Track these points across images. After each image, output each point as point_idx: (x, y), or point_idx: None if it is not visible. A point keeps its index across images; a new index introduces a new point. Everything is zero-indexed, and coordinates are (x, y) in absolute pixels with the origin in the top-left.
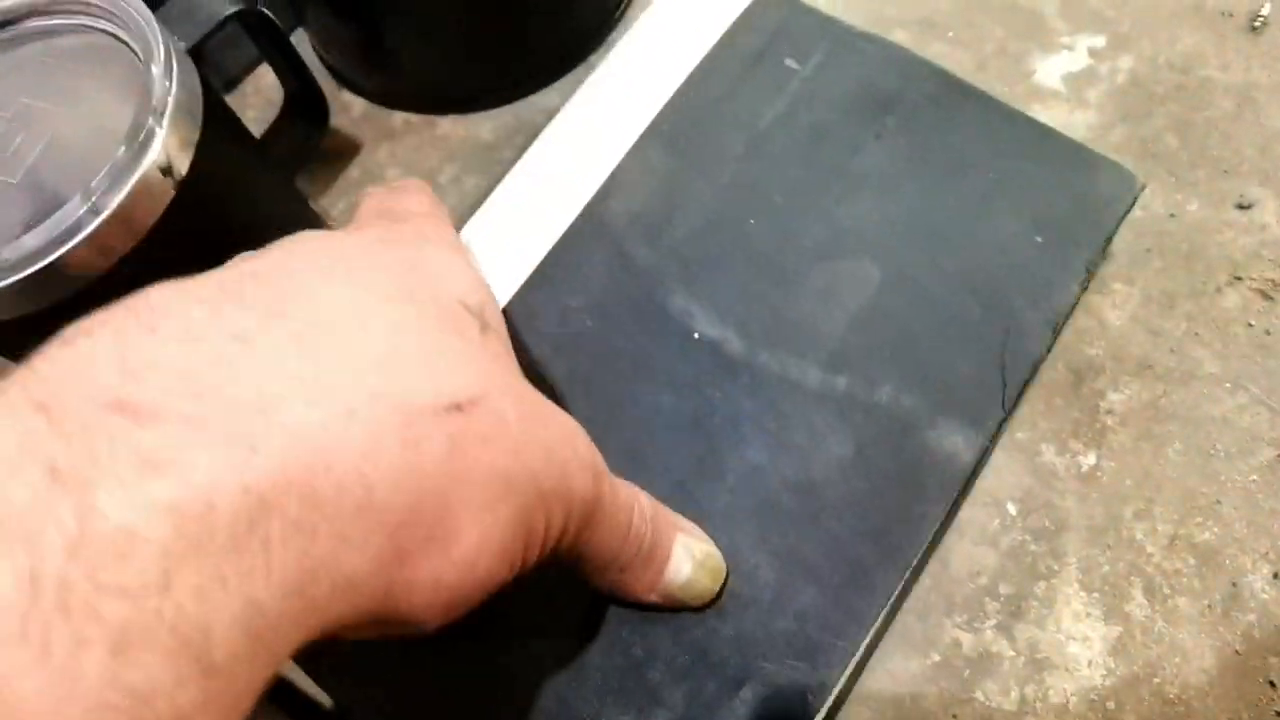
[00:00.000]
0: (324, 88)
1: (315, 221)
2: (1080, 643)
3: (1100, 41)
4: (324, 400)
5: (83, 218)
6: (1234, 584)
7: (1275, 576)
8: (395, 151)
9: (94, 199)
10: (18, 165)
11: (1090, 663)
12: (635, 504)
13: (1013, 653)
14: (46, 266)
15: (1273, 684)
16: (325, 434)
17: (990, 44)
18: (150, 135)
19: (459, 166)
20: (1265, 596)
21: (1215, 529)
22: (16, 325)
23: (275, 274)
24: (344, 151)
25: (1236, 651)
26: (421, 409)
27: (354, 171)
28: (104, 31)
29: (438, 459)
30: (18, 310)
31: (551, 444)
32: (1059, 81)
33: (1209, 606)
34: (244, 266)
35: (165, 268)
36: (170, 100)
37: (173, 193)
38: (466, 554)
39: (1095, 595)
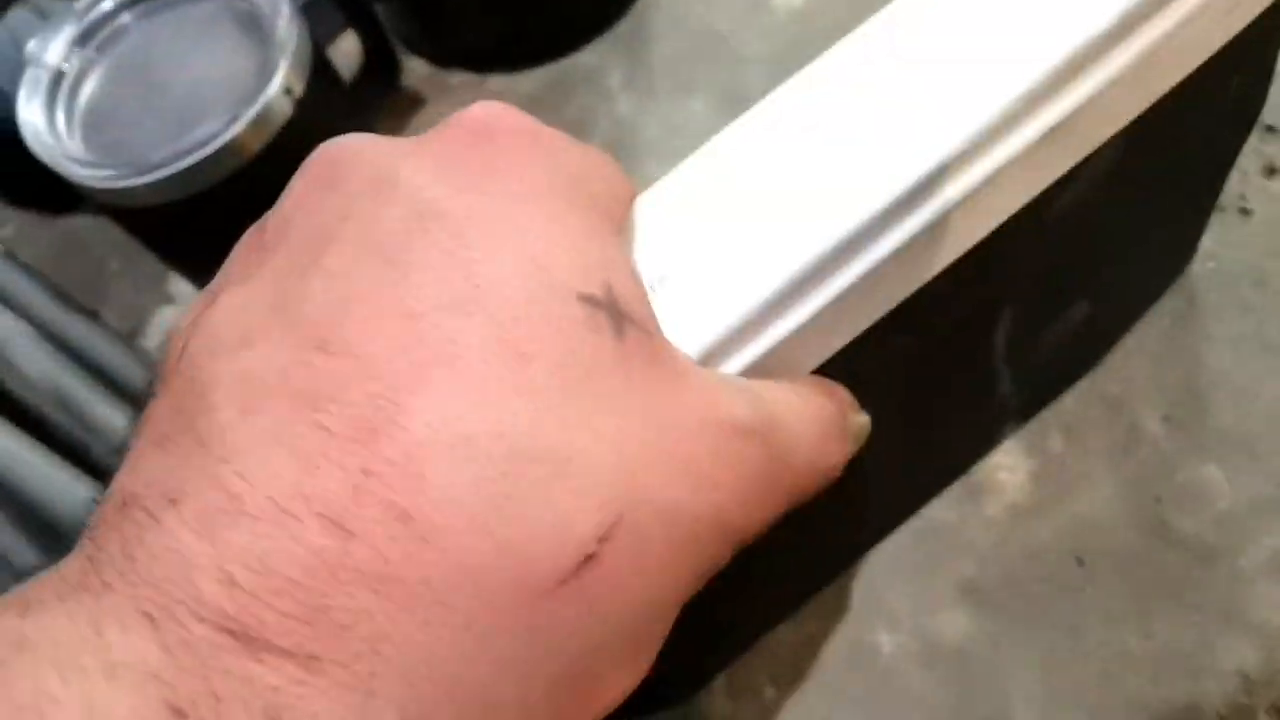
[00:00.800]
0: (395, 51)
1: None
2: (1008, 471)
3: None
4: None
5: (224, 126)
6: (1133, 425)
7: (1164, 419)
8: (453, 104)
9: (233, 111)
10: (177, 90)
11: (1016, 486)
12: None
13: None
14: (195, 162)
15: (1159, 500)
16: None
17: None
18: (276, 65)
19: None
20: (1156, 433)
21: (1122, 383)
22: (164, 211)
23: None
24: (411, 105)
25: (1132, 478)
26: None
27: (419, 120)
28: None
29: (535, 661)
30: (168, 198)
31: (748, 489)
32: None
33: (1113, 443)
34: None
35: (284, 167)
36: (291, 42)
37: (291, 111)
38: (617, 696)
39: (1021, 436)
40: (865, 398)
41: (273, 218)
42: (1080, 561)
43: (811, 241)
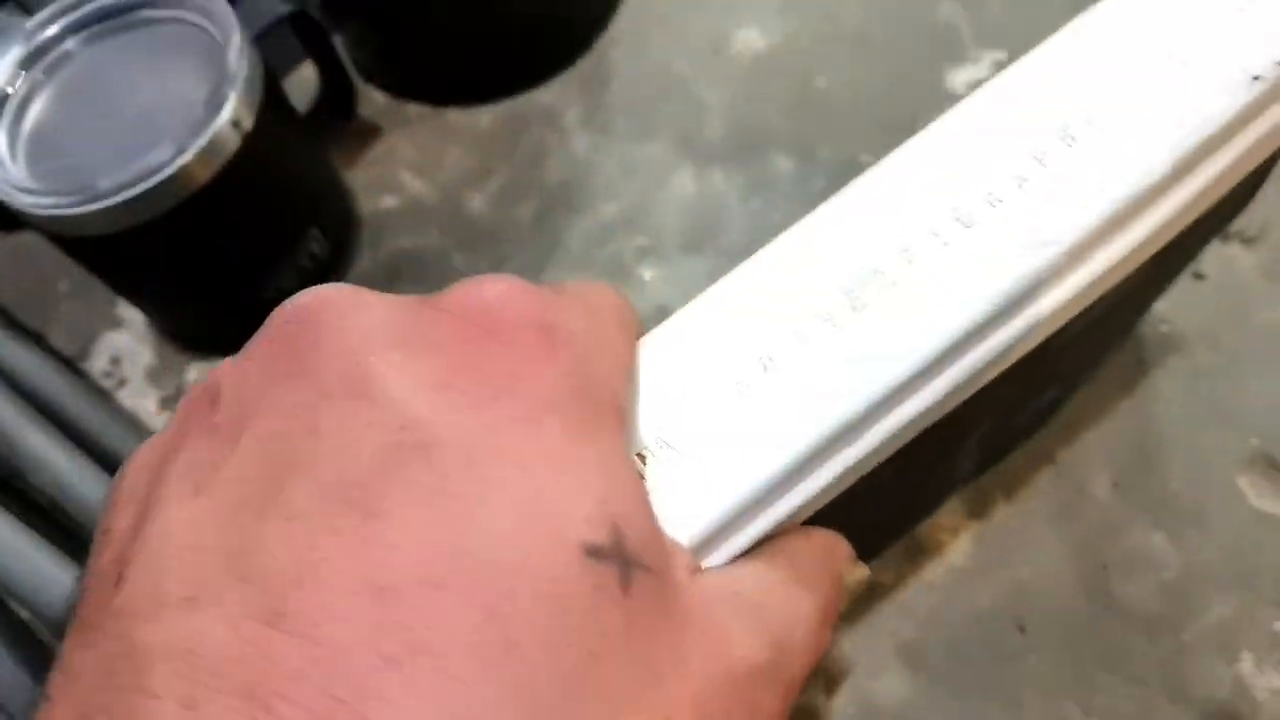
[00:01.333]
0: (352, 81)
1: (342, 193)
2: (949, 533)
3: (1003, 55)
4: None
5: (172, 155)
6: (1080, 490)
7: (1113, 484)
8: (409, 136)
9: (181, 141)
10: (125, 117)
11: (957, 549)
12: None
13: None
14: (142, 191)
15: (1105, 567)
16: None
17: (910, 57)
18: (225, 97)
19: (461, 150)
20: (1104, 498)
21: (1070, 446)
22: (110, 240)
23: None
24: (367, 135)
25: (1077, 543)
26: None
27: (375, 150)
28: (193, 24)
29: None
30: (113, 227)
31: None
32: (964, 88)
33: (1059, 507)
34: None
35: (231, 198)
36: (242, 73)
37: (239, 143)
38: None
39: (963, 498)
40: (835, 510)
41: (228, 388)
42: (1022, 629)
43: (832, 408)
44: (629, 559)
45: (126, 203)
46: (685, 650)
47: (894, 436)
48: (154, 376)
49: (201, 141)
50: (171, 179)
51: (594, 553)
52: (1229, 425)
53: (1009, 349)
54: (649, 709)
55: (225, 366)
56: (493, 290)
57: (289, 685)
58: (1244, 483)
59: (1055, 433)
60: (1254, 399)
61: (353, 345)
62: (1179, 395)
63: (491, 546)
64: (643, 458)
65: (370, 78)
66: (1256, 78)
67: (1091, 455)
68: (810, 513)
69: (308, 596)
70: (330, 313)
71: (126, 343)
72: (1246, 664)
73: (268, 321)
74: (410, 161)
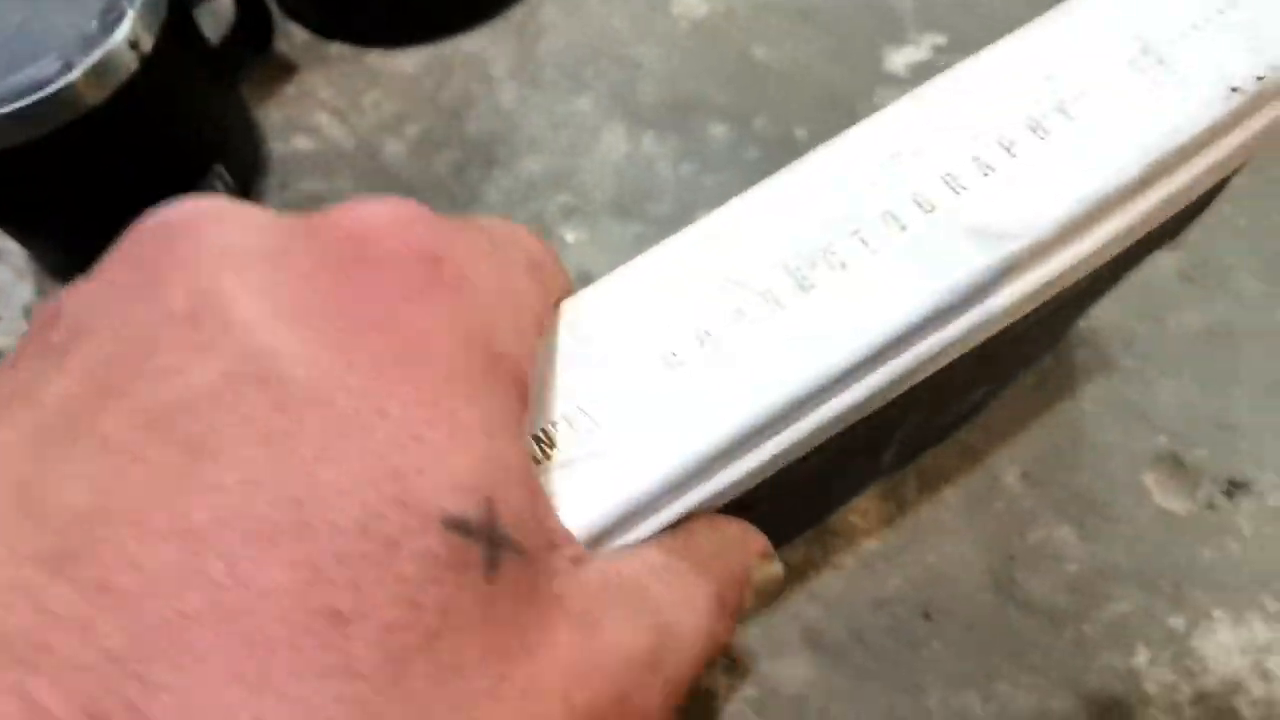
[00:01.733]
0: (271, 15)
1: (252, 130)
2: (860, 515)
3: (943, 40)
4: None
5: (57, 71)
6: (992, 479)
7: (1023, 475)
8: (328, 75)
9: (69, 57)
10: (6, 27)
11: (868, 532)
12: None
13: None
14: (21, 107)
15: (1012, 558)
16: None
17: (850, 33)
18: (122, 14)
19: (381, 93)
20: (1014, 489)
21: (984, 436)
22: None
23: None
24: (283, 71)
25: (987, 533)
26: None
27: (290, 88)
28: None
29: None
30: None
31: None
32: (903, 69)
33: (970, 495)
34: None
35: (126, 124)
36: None
37: (136, 66)
38: None
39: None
40: (751, 498)
41: (69, 305)
42: (928, 615)
43: (770, 389)
44: (499, 538)
45: (4, 119)
46: (550, 640)
47: (828, 425)
48: (32, 315)
49: (92, 59)
50: (56, 96)
51: (457, 526)
52: (1140, 423)
53: (956, 343)
54: (503, 704)
55: (75, 284)
56: (378, 212)
57: (64, 641)
58: (1150, 480)
59: (970, 422)
60: (1165, 398)
61: (206, 262)
62: (1093, 392)
63: (332, 502)
64: (549, 432)
65: (291, 13)
66: (1235, 89)
67: (1004, 446)
68: (727, 500)
69: (101, 536)
70: (191, 225)
71: (4, 277)
72: (1141, 658)
73: (125, 232)
74: (327, 103)
